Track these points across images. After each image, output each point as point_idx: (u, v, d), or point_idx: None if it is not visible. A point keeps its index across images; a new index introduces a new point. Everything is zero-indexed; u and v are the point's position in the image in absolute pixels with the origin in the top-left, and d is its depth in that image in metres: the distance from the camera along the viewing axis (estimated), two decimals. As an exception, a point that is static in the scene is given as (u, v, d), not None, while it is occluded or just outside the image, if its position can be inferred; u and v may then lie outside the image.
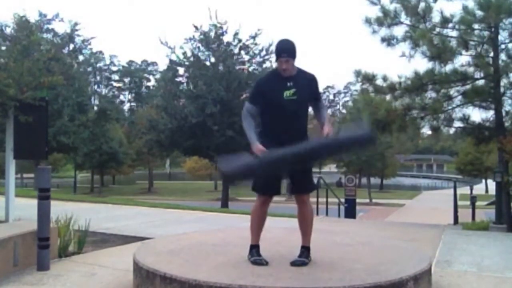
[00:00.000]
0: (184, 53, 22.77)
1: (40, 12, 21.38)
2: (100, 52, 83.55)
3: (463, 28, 9.63)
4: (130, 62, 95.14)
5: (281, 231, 4.46)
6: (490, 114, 10.16)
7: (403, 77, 10.13)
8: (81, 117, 21.01)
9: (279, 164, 3.52)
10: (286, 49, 3.67)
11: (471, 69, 9.73)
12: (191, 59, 22.74)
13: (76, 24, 20.89)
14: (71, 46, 21.77)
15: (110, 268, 4.48)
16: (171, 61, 23.45)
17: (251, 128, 3.74)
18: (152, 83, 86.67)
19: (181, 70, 24.28)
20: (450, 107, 10.22)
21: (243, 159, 3.59)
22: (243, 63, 22.99)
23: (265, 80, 3.89)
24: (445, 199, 26.24)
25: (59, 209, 6.16)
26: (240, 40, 22.71)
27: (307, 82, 3.78)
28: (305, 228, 3.95)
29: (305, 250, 3.83)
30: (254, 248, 3.80)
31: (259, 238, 3.86)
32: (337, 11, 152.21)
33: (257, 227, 3.88)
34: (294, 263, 3.67)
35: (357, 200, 15.91)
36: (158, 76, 61.50)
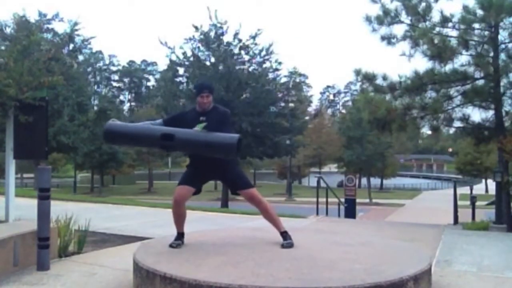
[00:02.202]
0: (184, 53, 22.79)
1: (40, 12, 21.45)
2: (100, 52, 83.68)
3: (463, 27, 9.63)
4: (130, 62, 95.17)
5: (281, 231, 4.46)
6: (490, 114, 10.17)
7: (403, 76, 10.14)
8: (81, 117, 21.04)
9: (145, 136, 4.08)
10: (207, 87, 4.30)
11: (471, 69, 9.74)
12: (191, 59, 22.75)
13: (76, 24, 20.94)
14: (71, 46, 21.80)
15: (110, 268, 4.48)
16: (171, 61, 23.47)
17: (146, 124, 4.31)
18: (152, 83, 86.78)
19: (181, 70, 24.31)
20: (450, 107, 10.22)
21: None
22: (243, 63, 23.00)
23: (184, 112, 4.52)
24: (445, 199, 26.25)
25: (59, 209, 6.15)
26: (240, 40, 22.72)
27: (219, 116, 4.23)
28: (270, 218, 4.32)
29: (285, 233, 4.24)
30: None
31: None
32: (337, 10, 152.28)
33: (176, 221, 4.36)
34: (283, 246, 4.13)
35: (357, 200, 15.91)
36: (158, 76, 61.57)
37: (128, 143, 4.40)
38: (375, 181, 46.54)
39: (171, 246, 4.14)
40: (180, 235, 4.29)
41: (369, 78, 10.53)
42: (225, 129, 4.08)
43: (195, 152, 4.19)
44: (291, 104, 26.58)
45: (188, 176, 4.26)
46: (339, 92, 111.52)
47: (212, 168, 4.17)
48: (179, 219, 4.30)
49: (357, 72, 10.65)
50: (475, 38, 9.68)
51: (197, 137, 3.94)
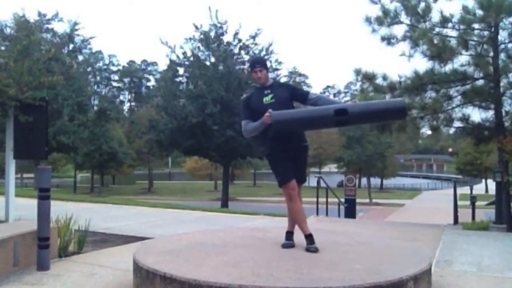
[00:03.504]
0: (184, 53, 22.78)
1: (39, 12, 21.41)
2: (100, 52, 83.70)
3: (463, 27, 9.63)
4: (130, 62, 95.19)
5: (281, 231, 4.45)
6: (490, 114, 10.17)
7: (403, 76, 10.14)
8: (81, 117, 21.00)
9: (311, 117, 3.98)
10: (259, 61, 4.45)
11: (471, 69, 9.74)
12: (191, 59, 22.74)
13: (75, 24, 20.89)
14: (71, 46, 21.76)
15: (110, 268, 4.48)
16: (171, 61, 23.46)
17: (250, 123, 4.18)
18: (152, 83, 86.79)
19: (181, 70, 24.30)
20: (450, 107, 10.22)
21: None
22: (243, 63, 22.99)
23: (248, 96, 4.42)
24: (445, 199, 26.26)
25: (59, 209, 6.16)
26: (240, 40, 22.71)
27: (282, 87, 4.37)
28: (296, 217, 4.21)
29: (310, 236, 4.11)
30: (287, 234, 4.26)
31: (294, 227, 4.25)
32: (338, 11, 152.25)
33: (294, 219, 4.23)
34: (284, 246, 4.14)
35: (357, 200, 15.91)
36: (158, 76, 61.56)
37: (301, 128, 4.26)
38: (375, 181, 46.55)
39: (283, 246, 4.13)
40: (290, 235, 4.22)
41: (369, 78, 10.53)
42: (303, 90, 4.31)
43: (369, 121, 4.37)
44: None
45: (285, 167, 4.12)
46: (339, 92, 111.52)
47: (298, 149, 4.17)
48: (300, 216, 4.15)
49: (357, 72, 10.65)
50: (475, 38, 9.68)
51: (368, 106, 4.02)
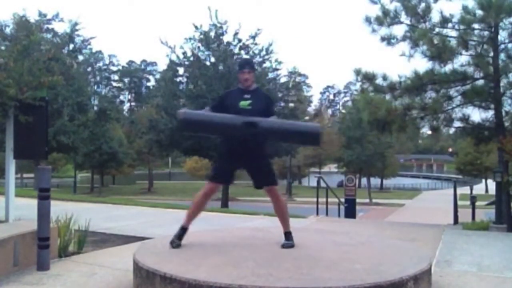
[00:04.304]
0: (184, 53, 22.78)
1: (40, 12, 21.38)
2: (100, 52, 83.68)
3: (463, 28, 9.63)
4: (130, 62, 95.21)
5: (281, 231, 4.45)
6: (489, 114, 10.17)
7: (403, 76, 10.14)
8: (81, 117, 20.98)
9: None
10: (248, 63, 4.45)
11: (471, 69, 9.73)
12: (191, 58, 22.73)
13: (76, 24, 20.89)
14: (71, 46, 21.76)
15: (110, 268, 4.48)
16: (171, 61, 23.45)
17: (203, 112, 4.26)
18: (152, 83, 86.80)
19: (181, 70, 24.29)
20: (450, 107, 10.22)
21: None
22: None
23: (228, 92, 4.54)
24: (445, 199, 26.24)
25: (59, 209, 6.15)
26: (240, 40, 22.69)
27: (262, 98, 4.30)
28: (282, 216, 4.35)
29: (289, 234, 4.27)
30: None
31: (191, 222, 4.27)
32: (338, 11, 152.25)
33: (192, 214, 4.30)
34: (283, 246, 4.15)
35: (357, 200, 15.91)
36: (158, 76, 61.55)
37: (207, 131, 4.43)
38: (375, 181, 46.53)
39: (171, 244, 4.11)
40: (184, 231, 4.23)
41: (369, 78, 10.52)
42: (273, 112, 4.20)
43: (279, 139, 4.33)
44: (291, 104, 26.50)
45: (220, 170, 4.24)
46: (339, 92, 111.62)
47: (248, 153, 4.11)
48: (196, 212, 4.28)
49: (357, 72, 10.65)
50: (475, 38, 9.68)
51: (282, 124, 4.03)
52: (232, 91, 4.40)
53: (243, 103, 4.07)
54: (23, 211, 6.56)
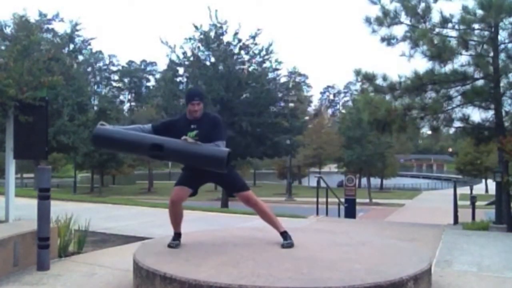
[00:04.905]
0: (184, 53, 22.78)
1: (40, 12, 21.40)
2: (100, 52, 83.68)
3: (463, 28, 9.63)
4: (130, 62, 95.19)
5: (281, 231, 4.46)
6: (489, 114, 10.17)
7: (403, 77, 10.14)
8: (81, 117, 21.01)
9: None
10: (198, 94, 4.26)
11: (471, 69, 9.73)
12: (191, 58, 22.73)
13: (76, 24, 20.90)
14: (71, 46, 21.78)
15: (110, 268, 4.48)
16: (171, 61, 23.45)
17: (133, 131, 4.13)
18: (152, 83, 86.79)
19: (181, 70, 24.29)
20: (450, 107, 10.22)
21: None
22: (243, 63, 22.98)
23: (176, 119, 4.42)
24: (445, 199, 26.24)
25: (59, 209, 6.15)
26: (240, 40, 22.70)
27: (209, 123, 4.17)
28: (268, 219, 4.34)
29: (285, 233, 4.25)
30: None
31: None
32: (338, 11, 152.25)
33: (175, 221, 4.36)
34: (283, 246, 4.13)
35: (357, 200, 15.91)
36: (158, 76, 61.56)
37: (117, 149, 4.34)
38: (375, 181, 46.51)
39: (169, 246, 4.15)
40: (177, 235, 4.29)
41: (369, 78, 10.53)
42: (217, 134, 4.07)
43: (185, 163, 4.23)
44: (291, 104, 26.50)
45: (185, 177, 4.25)
46: (339, 92, 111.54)
47: (207, 171, 4.08)
48: (176, 219, 4.31)
49: (357, 72, 10.65)
50: (475, 38, 9.67)
51: (186, 148, 3.90)
52: (179, 120, 4.30)
53: (191, 134, 4.01)
54: (23, 211, 6.56)
